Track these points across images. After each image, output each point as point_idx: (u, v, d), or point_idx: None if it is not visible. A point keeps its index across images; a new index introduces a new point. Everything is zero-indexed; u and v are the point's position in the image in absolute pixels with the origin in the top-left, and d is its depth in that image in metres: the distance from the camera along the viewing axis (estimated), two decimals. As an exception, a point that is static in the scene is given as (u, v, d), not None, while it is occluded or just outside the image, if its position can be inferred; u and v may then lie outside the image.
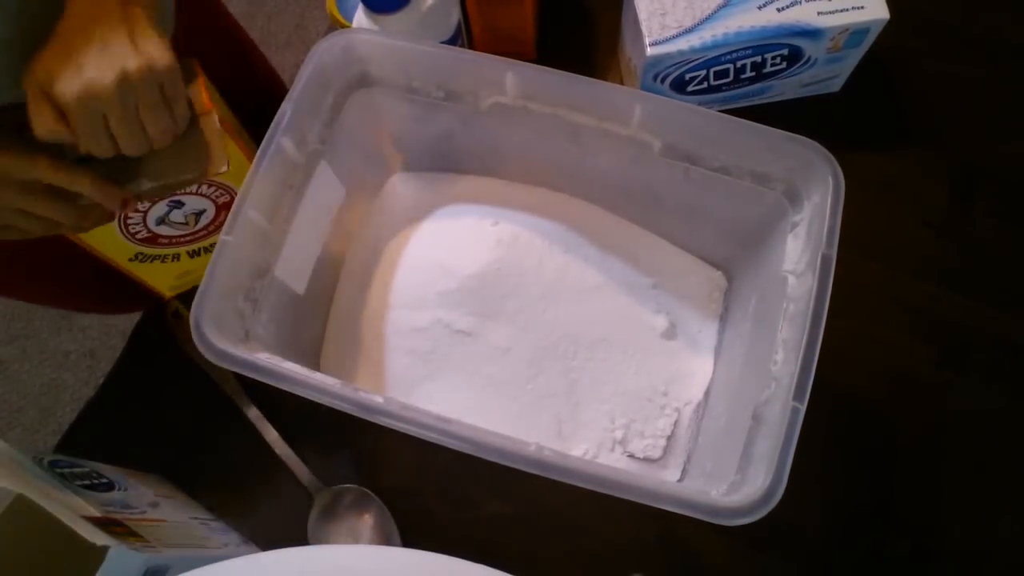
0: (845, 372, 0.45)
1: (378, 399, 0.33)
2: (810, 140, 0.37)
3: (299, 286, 0.43)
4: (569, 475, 0.31)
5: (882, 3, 0.49)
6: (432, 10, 0.47)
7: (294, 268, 0.42)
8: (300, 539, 0.46)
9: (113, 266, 0.45)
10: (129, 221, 0.42)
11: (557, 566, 0.46)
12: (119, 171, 0.38)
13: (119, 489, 0.40)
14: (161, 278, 0.48)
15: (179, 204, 0.43)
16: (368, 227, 0.50)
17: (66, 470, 0.38)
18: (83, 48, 0.35)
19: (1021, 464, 0.47)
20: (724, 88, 0.53)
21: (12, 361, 1.28)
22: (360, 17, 0.48)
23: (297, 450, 0.48)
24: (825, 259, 0.34)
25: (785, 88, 0.54)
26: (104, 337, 1.28)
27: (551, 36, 0.59)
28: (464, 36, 0.54)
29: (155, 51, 0.36)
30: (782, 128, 0.37)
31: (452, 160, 0.50)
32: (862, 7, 0.49)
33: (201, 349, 0.33)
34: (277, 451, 0.47)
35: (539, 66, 0.39)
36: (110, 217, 0.40)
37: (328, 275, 0.48)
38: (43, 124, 0.36)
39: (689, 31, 0.49)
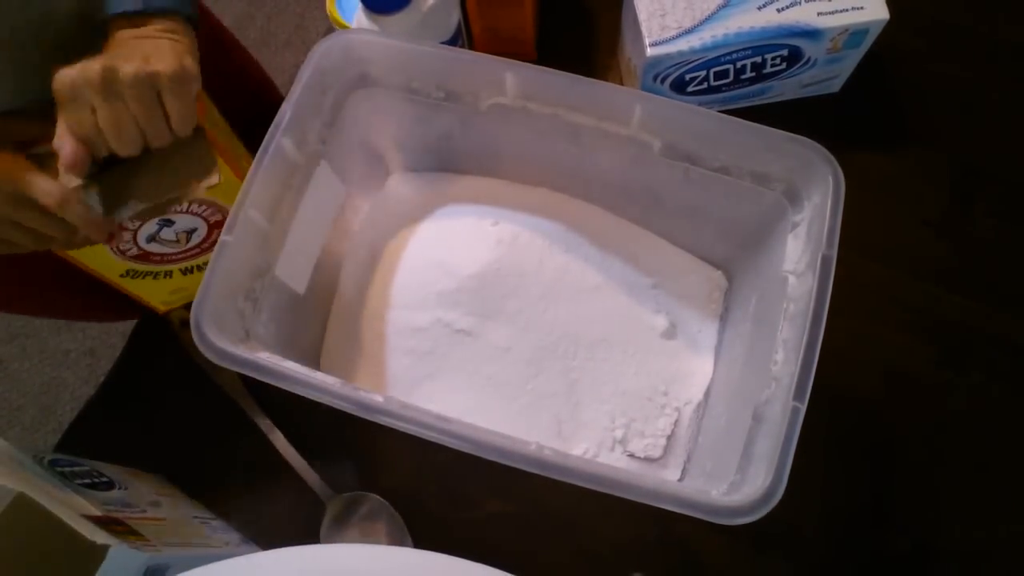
0: (845, 372, 0.45)
1: (378, 398, 0.33)
2: (810, 140, 0.37)
3: (299, 286, 0.43)
4: (569, 474, 0.31)
5: (882, 3, 0.49)
6: (432, 10, 0.47)
7: (294, 268, 0.42)
8: (302, 540, 0.46)
9: (105, 281, 0.45)
10: (119, 239, 0.42)
11: (557, 566, 0.46)
12: (109, 187, 0.38)
13: (119, 488, 0.40)
14: (154, 293, 0.48)
15: (169, 223, 0.42)
16: (368, 227, 0.50)
17: (66, 469, 0.38)
18: (102, 56, 0.37)
19: (1021, 464, 0.47)
20: (724, 88, 0.53)
21: (12, 360, 1.28)
22: (360, 17, 0.48)
23: (298, 451, 0.48)
24: (825, 259, 0.34)
25: (785, 88, 0.54)
26: (104, 336, 1.28)
27: (551, 36, 0.59)
28: (464, 36, 0.54)
29: (159, 64, 0.37)
30: (782, 128, 0.37)
31: (452, 160, 0.50)
32: (862, 7, 0.49)
33: (201, 348, 0.33)
34: (284, 454, 0.47)
35: (539, 66, 0.39)
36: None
37: (328, 275, 0.48)
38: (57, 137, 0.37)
39: (689, 32, 0.49)
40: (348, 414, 0.33)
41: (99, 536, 0.34)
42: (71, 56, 0.36)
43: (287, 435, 0.48)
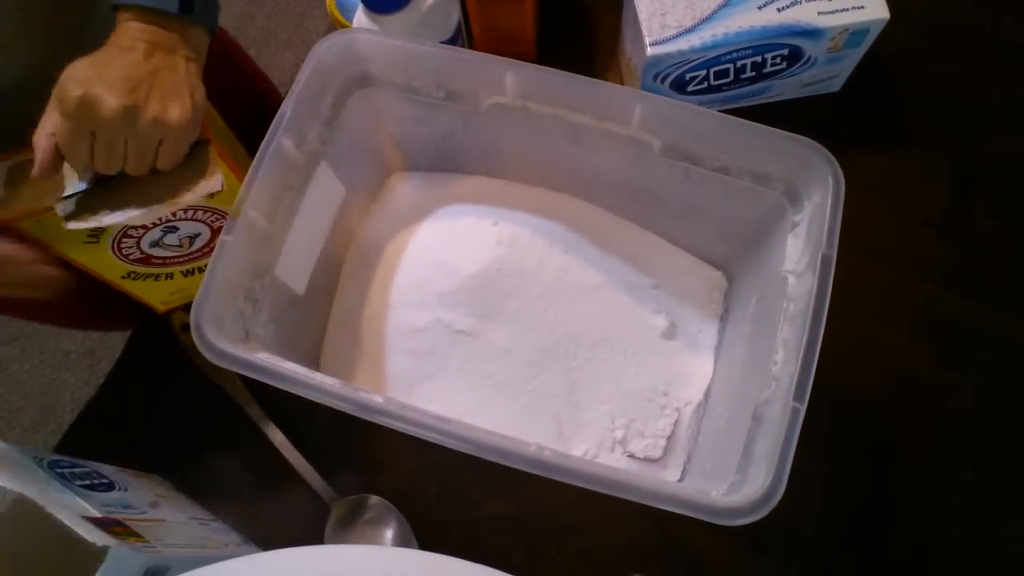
0: (845, 372, 0.45)
1: (378, 399, 0.33)
2: (810, 140, 0.36)
3: (299, 286, 0.43)
4: (569, 475, 0.31)
5: (882, 3, 0.49)
6: (432, 10, 0.47)
7: (294, 268, 0.42)
8: (303, 542, 0.46)
9: (104, 282, 0.45)
10: (122, 244, 0.42)
11: (557, 566, 0.46)
12: (98, 195, 0.38)
13: (119, 489, 0.40)
14: (154, 294, 0.48)
15: (174, 228, 0.42)
16: (368, 227, 0.50)
17: (66, 470, 0.38)
18: (116, 67, 0.36)
19: (1021, 464, 0.47)
20: (724, 88, 0.53)
21: (12, 361, 1.28)
22: (360, 17, 0.48)
23: (298, 452, 0.48)
24: (825, 259, 0.34)
25: (785, 88, 0.54)
26: (104, 337, 1.28)
27: (551, 36, 0.59)
28: (464, 36, 0.54)
29: (176, 111, 0.37)
30: (782, 128, 0.37)
31: (452, 160, 0.50)
32: (862, 7, 0.49)
33: (201, 349, 0.33)
34: (285, 455, 0.47)
35: (539, 66, 0.39)
36: None
37: (328, 275, 0.48)
38: (42, 129, 0.36)
39: (689, 31, 0.49)
40: (348, 415, 0.33)
41: (99, 537, 0.34)
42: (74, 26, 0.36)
43: (287, 436, 0.48)
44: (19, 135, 0.38)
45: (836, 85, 0.56)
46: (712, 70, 0.51)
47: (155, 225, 0.41)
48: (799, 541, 0.46)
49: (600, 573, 0.46)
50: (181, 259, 0.46)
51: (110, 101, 0.35)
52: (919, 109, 0.56)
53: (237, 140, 0.47)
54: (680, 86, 0.52)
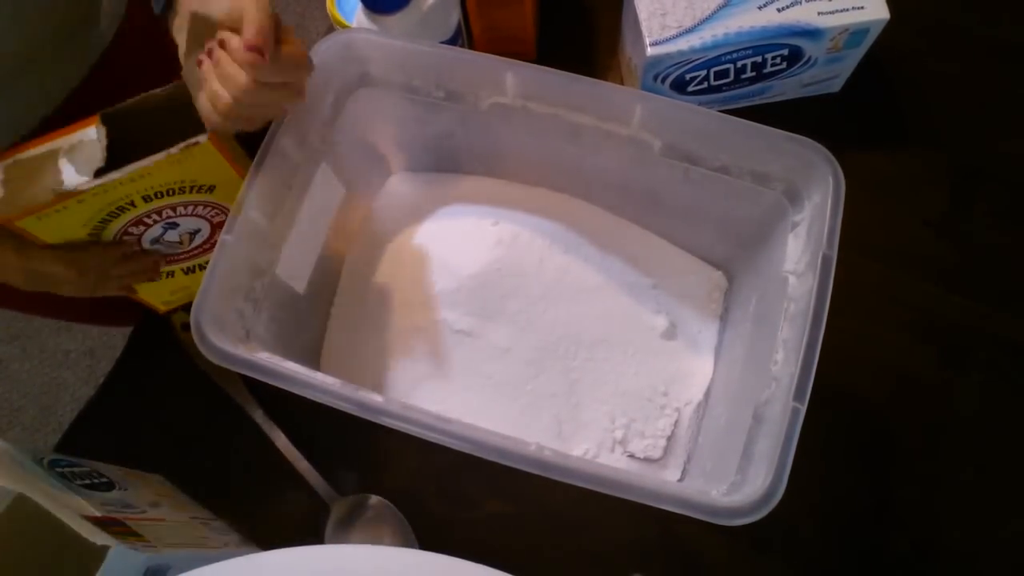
0: (845, 372, 0.45)
1: (378, 399, 0.33)
2: (810, 140, 0.37)
3: (299, 286, 0.43)
4: (569, 475, 0.31)
5: (882, 3, 0.49)
6: (432, 10, 0.47)
7: (294, 268, 0.42)
8: (304, 541, 0.46)
9: None
10: (123, 242, 0.42)
11: (557, 566, 0.46)
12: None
13: (119, 488, 0.40)
14: (155, 293, 0.48)
15: (174, 225, 0.42)
16: (368, 227, 0.50)
17: (66, 469, 0.38)
18: None
19: (1021, 464, 0.47)
20: (724, 88, 0.53)
21: (12, 360, 1.28)
22: (360, 17, 0.48)
23: (298, 451, 0.48)
24: (825, 259, 0.34)
25: (785, 88, 0.54)
26: (104, 337, 1.28)
27: (551, 36, 0.59)
28: (464, 36, 0.54)
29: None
30: (782, 128, 0.37)
31: (452, 160, 0.50)
32: (862, 7, 0.49)
33: (202, 349, 0.33)
34: (286, 455, 0.47)
35: (539, 66, 0.39)
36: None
37: (328, 275, 0.48)
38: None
39: (689, 31, 0.49)
40: (348, 414, 0.33)
41: (99, 537, 0.34)
42: None
43: (288, 436, 0.48)
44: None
45: (836, 85, 0.56)
46: (712, 70, 0.51)
47: (155, 222, 0.41)
48: (799, 541, 0.46)
49: (600, 573, 0.46)
50: (182, 257, 0.46)
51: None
52: (919, 109, 0.56)
53: (236, 142, 0.47)
54: (680, 86, 0.52)
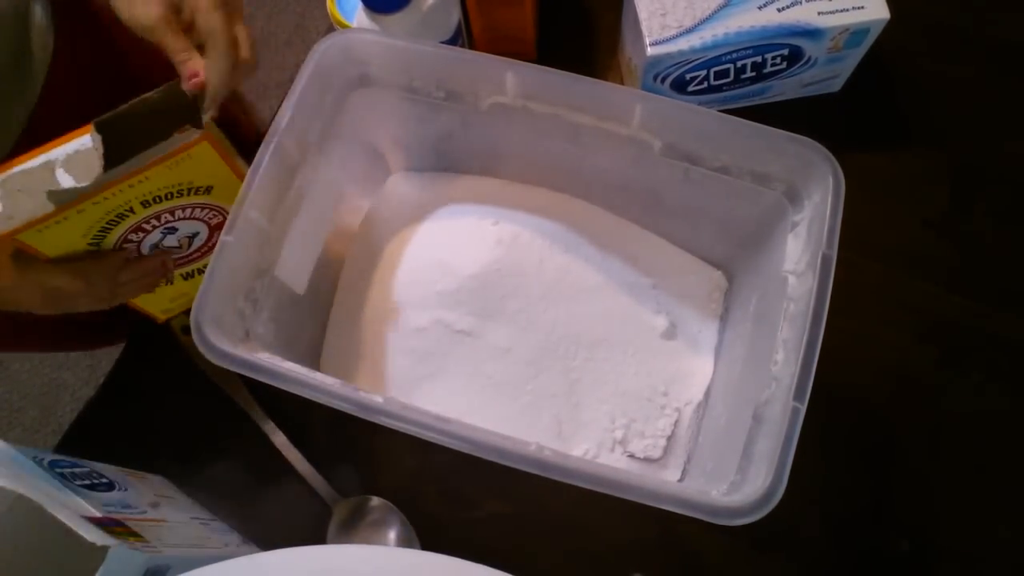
0: (845, 372, 0.45)
1: (378, 399, 0.33)
2: (810, 140, 0.36)
3: (299, 286, 0.43)
4: (569, 475, 0.31)
5: (882, 3, 0.49)
6: (432, 10, 0.47)
7: (294, 268, 0.42)
8: (304, 542, 0.46)
9: None
10: (123, 249, 0.42)
11: (557, 566, 0.46)
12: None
13: (119, 489, 0.40)
14: (155, 302, 0.48)
15: (173, 229, 0.42)
16: (368, 227, 0.50)
17: (66, 470, 0.38)
18: None
19: (1021, 464, 0.47)
20: (724, 88, 0.53)
21: (12, 361, 1.28)
22: (360, 17, 0.48)
23: (298, 452, 0.48)
24: (825, 259, 0.34)
25: (785, 88, 0.54)
26: (104, 337, 1.28)
27: (551, 36, 0.59)
28: (464, 36, 0.54)
29: None
30: (782, 128, 0.37)
31: (452, 160, 0.50)
32: (862, 7, 0.49)
33: (202, 349, 0.33)
34: (287, 456, 0.47)
35: (539, 66, 0.39)
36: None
37: (328, 275, 0.48)
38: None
39: (689, 31, 0.49)
40: (348, 415, 0.33)
41: (99, 537, 0.34)
42: None
43: (288, 436, 0.48)
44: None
45: (836, 85, 0.56)
46: (712, 70, 0.51)
47: (154, 227, 0.41)
48: (799, 541, 0.46)
49: (600, 573, 0.46)
50: (180, 261, 0.46)
51: None
52: (919, 109, 0.56)
53: (229, 142, 0.46)
54: (680, 86, 0.52)
